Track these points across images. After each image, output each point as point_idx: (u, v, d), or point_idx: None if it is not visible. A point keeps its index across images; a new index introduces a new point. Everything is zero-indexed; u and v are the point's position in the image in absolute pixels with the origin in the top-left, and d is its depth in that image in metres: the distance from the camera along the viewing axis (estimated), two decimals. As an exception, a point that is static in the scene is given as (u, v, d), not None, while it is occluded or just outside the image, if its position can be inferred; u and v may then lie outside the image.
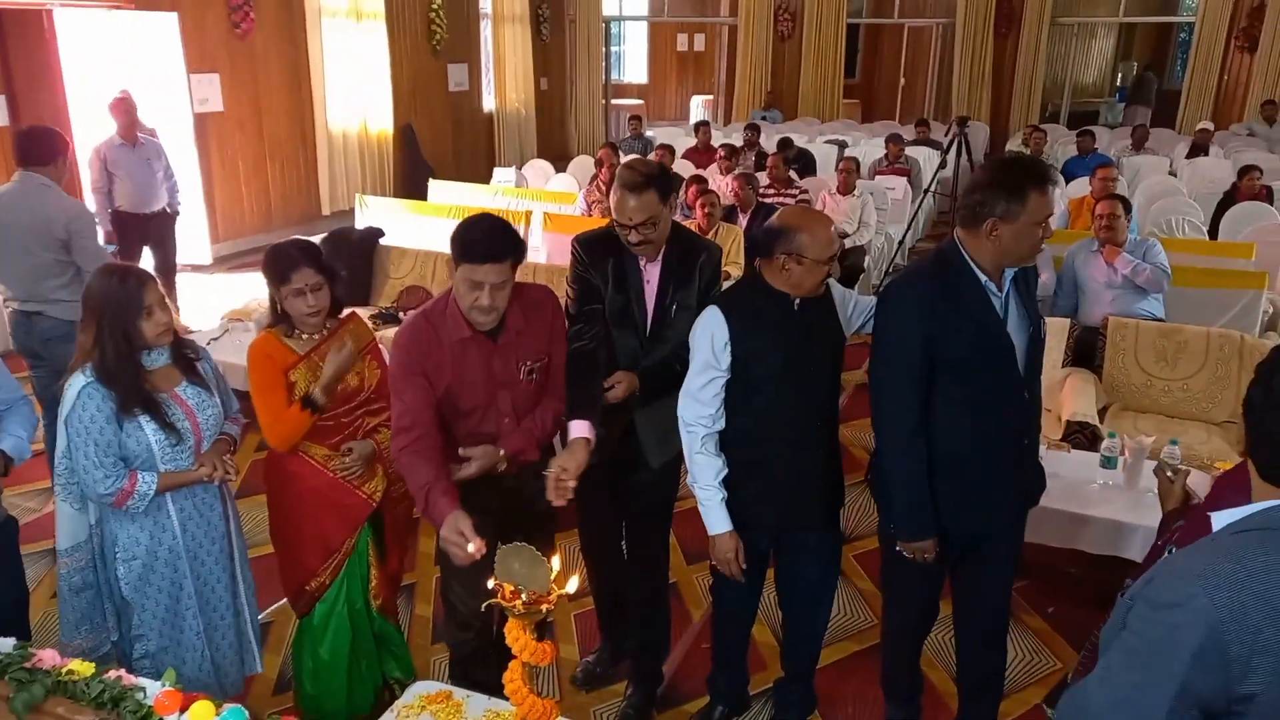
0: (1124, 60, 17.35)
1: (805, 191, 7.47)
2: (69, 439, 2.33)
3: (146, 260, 6.49)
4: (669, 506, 2.96)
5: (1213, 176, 8.66)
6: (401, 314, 5.67)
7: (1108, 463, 3.49)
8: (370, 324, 5.45)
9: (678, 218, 6.54)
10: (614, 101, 16.23)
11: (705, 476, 2.50)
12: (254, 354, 2.55)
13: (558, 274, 4.78)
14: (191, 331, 6.02)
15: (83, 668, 1.93)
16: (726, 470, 2.50)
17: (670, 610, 3.16)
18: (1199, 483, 2.84)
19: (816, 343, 2.47)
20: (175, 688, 1.92)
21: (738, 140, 9.95)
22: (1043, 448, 3.04)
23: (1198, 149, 9.88)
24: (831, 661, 3.33)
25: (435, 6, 11.20)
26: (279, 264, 2.50)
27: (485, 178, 9.80)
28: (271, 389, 2.53)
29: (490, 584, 1.93)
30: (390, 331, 5.41)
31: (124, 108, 6.12)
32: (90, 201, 6.16)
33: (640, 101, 17.33)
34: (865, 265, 7.43)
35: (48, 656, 2.00)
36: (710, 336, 2.44)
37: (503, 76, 12.89)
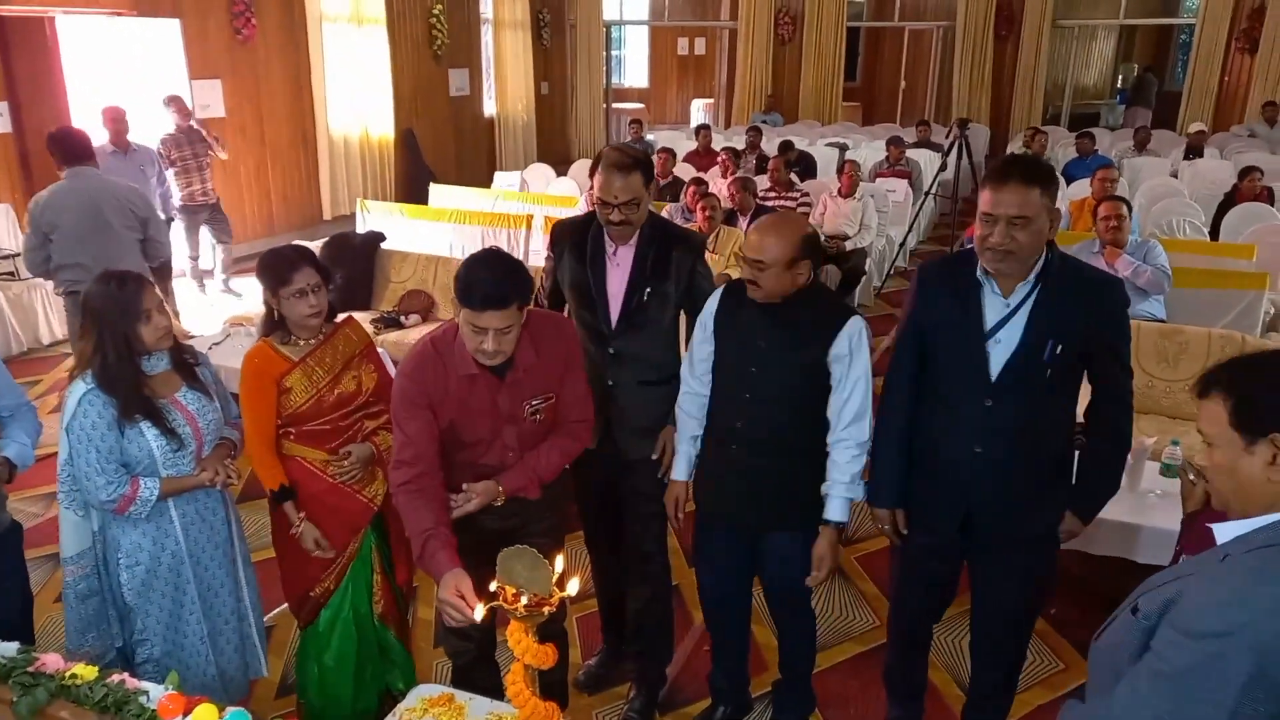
0: (1125, 62, 17.36)
1: (806, 195, 7.48)
2: (70, 446, 2.33)
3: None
4: (655, 504, 2.94)
5: (1213, 178, 8.66)
6: (403, 318, 5.68)
7: (1167, 470, 3.47)
8: (371, 329, 5.54)
9: (678, 220, 6.61)
10: (615, 105, 16.25)
11: (682, 429, 2.69)
12: (245, 365, 2.55)
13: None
14: (193, 337, 6.05)
15: (86, 672, 1.94)
16: (700, 434, 2.66)
17: (673, 613, 3.16)
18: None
19: (780, 354, 2.46)
20: (178, 691, 1.92)
21: (739, 143, 9.97)
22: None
23: (1192, 150, 9.89)
24: (833, 663, 3.34)
25: (436, 12, 11.23)
26: (278, 266, 2.49)
27: (486, 182, 9.82)
28: (256, 403, 2.53)
29: (492, 586, 1.93)
30: (391, 336, 5.42)
31: (113, 115, 6.23)
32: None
33: (641, 105, 17.35)
34: (867, 268, 7.44)
35: (51, 661, 2.00)
36: (710, 304, 2.59)
37: (504, 81, 12.91)
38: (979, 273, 2.30)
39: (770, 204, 7.28)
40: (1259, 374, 1.41)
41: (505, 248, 6.64)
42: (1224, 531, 1.46)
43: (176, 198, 7.11)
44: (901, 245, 8.24)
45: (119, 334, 2.30)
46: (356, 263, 6.08)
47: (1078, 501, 2.42)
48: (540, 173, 9.61)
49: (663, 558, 3.00)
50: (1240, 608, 1.26)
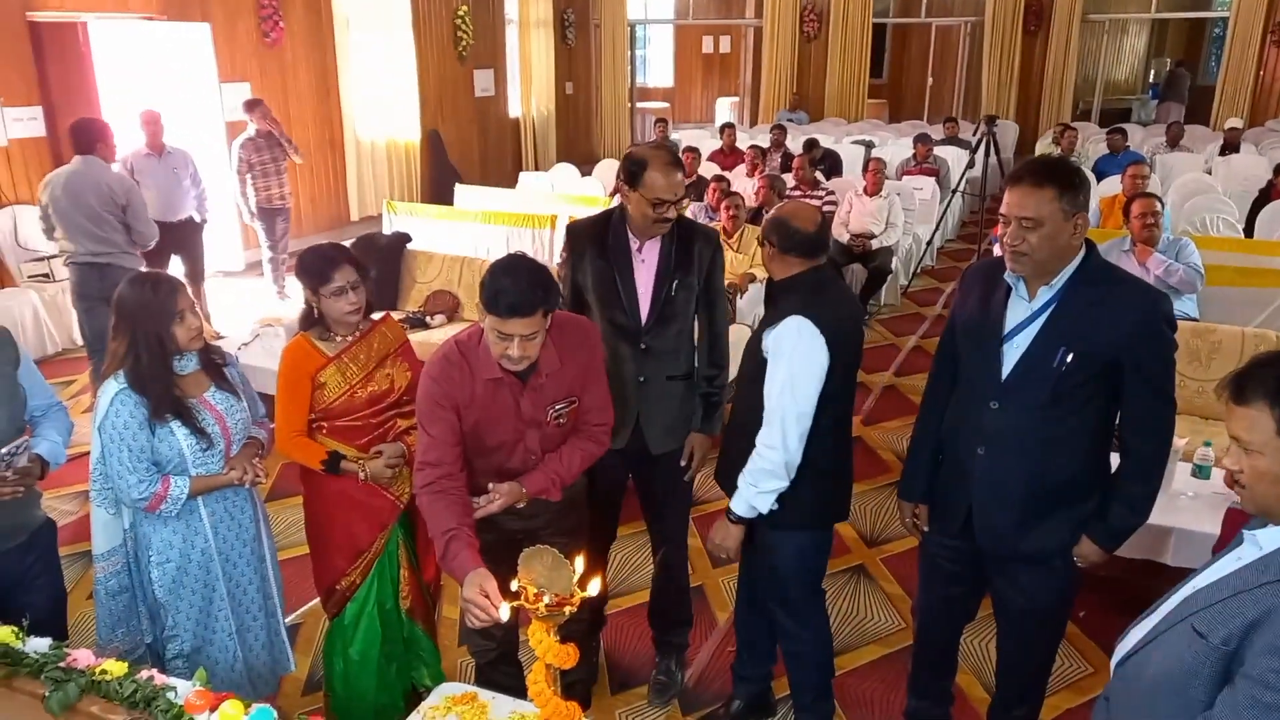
0: (1157, 57, 17.11)
1: (832, 193, 7.44)
2: (103, 445, 2.37)
3: (175, 268, 6.61)
4: (682, 497, 3.04)
5: (1248, 174, 8.51)
6: (428, 318, 5.71)
7: (1199, 472, 3.43)
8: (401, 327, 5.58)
9: (703, 219, 6.60)
10: (640, 105, 16.25)
11: None
12: (284, 357, 2.60)
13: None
14: (222, 337, 6.13)
15: (116, 668, 1.96)
16: None
17: (689, 592, 3.25)
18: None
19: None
20: (206, 687, 1.94)
21: (764, 142, 9.93)
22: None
23: (1228, 146, 9.72)
24: (857, 664, 3.32)
25: (461, 13, 11.28)
26: (318, 264, 2.53)
27: (511, 182, 9.85)
28: (292, 395, 2.57)
29: (514, 586, 1.94)
30: (417, 336, 5.45)
31: (149, 119, 6.33)
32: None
33: (666, 104, 17.34)
34: (893, 267, 7.38)
35: (82, 656, 2.03)
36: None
37: (528, 81, 12.95)
38: (1009, 274, 2.27)
39: (795, 203, 7.25)
40: None
41: (530, 248, 6.69)
42: (1271, 538, 1.41)
43: (253, 201, 7.22)
44: (929, 244, 8.17)
45: (152, 335, 2.34)
46: (383, 263, 6.12)
47: (1095, 527, 2.29)
48: (565, 172, 9.63)
49: (684, 559, 3.10)
50: None
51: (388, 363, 2.66)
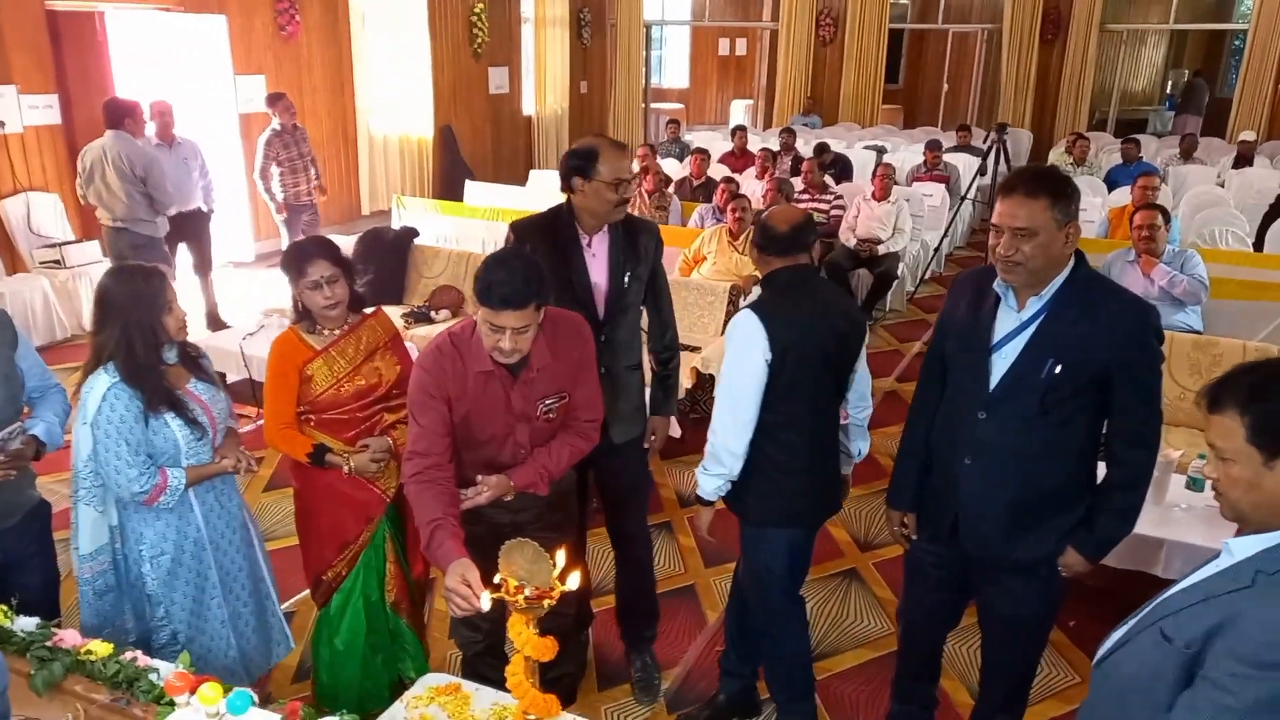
0: (1175, 68, 16.99)
1: (840, 197, 7.43)
2: (95, 441, 2.35)
3: (183, 257, 6.68)
4: (645, 484, 3.09)
5: (1261, 187, 8.46)
6: (434, 313, 5.74)
7: (1192, 484, 3.42)
8: (402, 323, 5.62)
9: (710, 221, 6.61)
10: (654, 105, 16.26)
11: None
12: (272, 349, 2.63)
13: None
14: (229, 326, 6.19)
15: (101, 648, 2.00)
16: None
17: (655, 585, 3.28)
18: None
19: None
20: (189, 670, 1.97)
21: (775, 145, 9.93)
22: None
23: (1241, 159, 9.66)
24: (844, 667, 3.33)
25: (477, 10, 11.32)
26: (295, 259, 2.57)
27: (523, 180, 9.88)
28: (279, 387, 2.60)
29: (496, 579, 1.96)
30: (421, 330, 5.48)
31: (159, 109, 6.39)
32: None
33: (680, 105, 17.34)
34: (899, 273, 7.37)
35: (69, 636, 2.07)
36: None
37: (543, 80, 12.98)
38: (999, 284, 2.27)
39: (803, 206, 7.26)
40: (1277, 387, 1.38)
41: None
42: (1243, 545, 1.42)
43: (280, 196, 7.08)
44: (936, 250, 8.16)
45: (146, 326, 2.35)
46: (389, 258, 6.16)
47: (1081, 536, 2.29)
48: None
49: (647, 538, 3.18)
50: None
51: (376, 356, 2.68)
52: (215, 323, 6.67)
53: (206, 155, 6.76)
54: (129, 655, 1.99)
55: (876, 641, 3.47)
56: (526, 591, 1.91)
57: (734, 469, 2.56)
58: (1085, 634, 3.45)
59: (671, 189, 7.75)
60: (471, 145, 11.56)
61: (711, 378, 4.84)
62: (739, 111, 16.93)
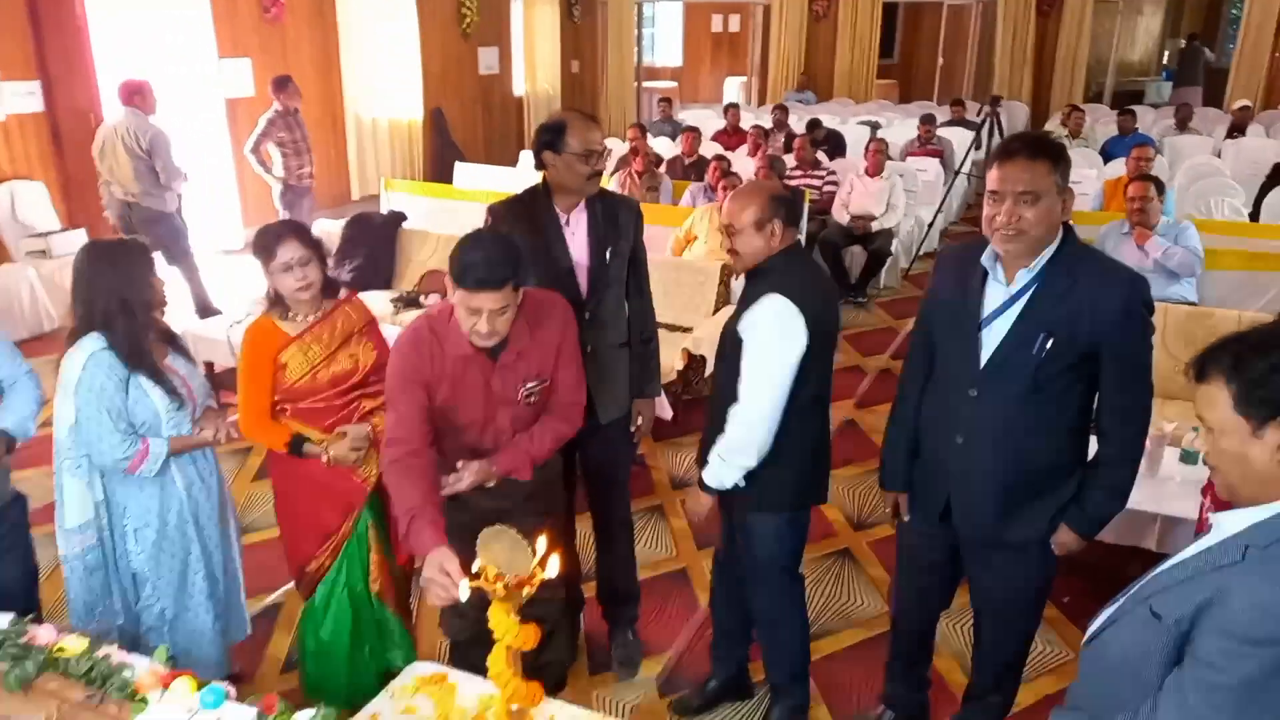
0: (1172, 38, 16.85)
1: (833, 173, 7.37)
2: (77, 409, 2.38)
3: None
4: (626, 466, 3.05)
5: (1256, 157, 8.39)
6: (422, 298, 5.69)
7: (1187, 457, 3.38)
8: (391, 308, 5.57)
9: (703, 200, 6.55)
10: (647, 84, 16.11)
11: None
12: (245, 338, 2.59)
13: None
14: (218, 312, 6.14)
15: (73, 646, 1.96)
16: None
17: (634, 558, 3.25)
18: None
19: (730, 322, 2.53)
20: (165, 664, 1.94)
21: (769, 122, 9.84)
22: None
23: (1236, 128, 9.58)
24: (838, 648, 3.31)
25: (465, -11, 11.20)
26: (265, 241, 2.53)
27: (515, 161, 9.79)
28: (253, 377, 2.57)
29: (474, 567, 1.93)
30: (411, 315, 5.43)
31: (136, 89, 6.24)
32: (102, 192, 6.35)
33: (674, 84, 17.19)
34: (893, 249, 7.31)
35: (43, 633, 2.03)
36: None
37: (533, 59, 12.85)
38: (986, 257, 2.22)
39: (796, 182, 7.19)
40: (1262, 354, 1.32)
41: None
42: (1233, 520, 1.38)
43: (280, 174, 6.99)
44: (930, 226, 8.09)
45: (140, 291, 2.41)
46: (377, 242, 6.11)
47: (1073, 514, 2.26)
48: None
49: (628, 518, 3.16)
50: None
51: (352, 342, 2.64)
52: (206, 310, 6.61)
53: (182, 142, 6.70)
54: (103, 652, 1.96)
55: (870, 621, 3.45)
56: (506, 579, 1.88)
57: (758, 460, 2.49)
58: (1079, 609, 3.42)
59: (663, 168, 7.68)
60: (462, 127, 11.46)
61: (703, 359, 4.79)
62: (733, 89, 16.78)
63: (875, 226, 7.09)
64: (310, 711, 1.79)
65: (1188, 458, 3.35)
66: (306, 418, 2.61)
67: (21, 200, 6.79)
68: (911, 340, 2.52)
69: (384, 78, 10.02)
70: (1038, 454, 2.23)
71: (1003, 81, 13.47)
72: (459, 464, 2.34)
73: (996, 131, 7.52)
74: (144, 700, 1.82)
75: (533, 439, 2.41)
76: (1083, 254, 2.18)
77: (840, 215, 7.20)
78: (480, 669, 2.30)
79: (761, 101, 14.47)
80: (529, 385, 2.37)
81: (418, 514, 2.13)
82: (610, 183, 7.44)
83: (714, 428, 2.55)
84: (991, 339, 2.20)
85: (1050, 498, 2.26)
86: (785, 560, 2.71)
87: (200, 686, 1.80)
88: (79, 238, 6.74)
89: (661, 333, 3.36)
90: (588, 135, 2.65)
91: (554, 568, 1.89)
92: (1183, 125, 9.91)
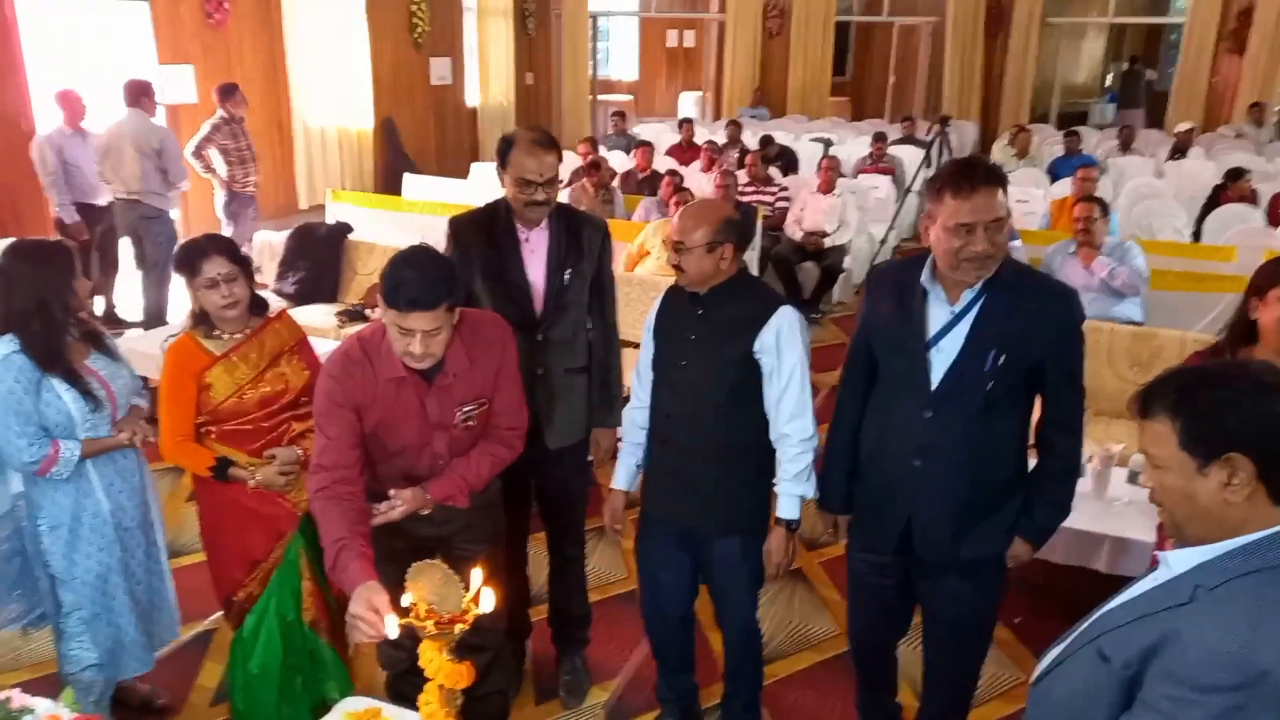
0: (1115, 61, 17.28)
1: (785, 189, 7.37)
2: None
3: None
4: (582, 494, 3.00)
5: (1198, 179, 8.58)
6: (369, 311, 5.54)
7: (1134, 479, 3.37)
8: (336, 321, 5.42)
9: (656, 217, 6.49)
10: (603, 97, 16.08)
11: (626, 436, 2.65)
12: (167, 357, 2.49)
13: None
14: (171, 326, 5.94)
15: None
16: (643, 440, 2.60)
17: (586, 581, 3.20)
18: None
19: (706, 345, 2.41)
20: (71, 709, 1.82)
21: (722, 137, 9.85)
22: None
23: (1178, 150, 9.80)
24: (790, 672, 3.25)
25: (417, -1, 11.06)
26: (188, 255, 2.43)
27: (466, 173, 9.66)
28: (175, 398, 2.47)
29: (404, 602, 1.83)
30: (356, 329, 5.29)
31: (68, 98, 6.20)
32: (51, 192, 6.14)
33: (630, 98, 17.19)
34: (845, 265, 7.33)
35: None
36: (651, 312, 2.54)
37: (487, 71, 12.73)
38: (925, 279, 2.21)
39: (747, 198, 7.18)
40: (1207, 389, 1.30)
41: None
42: (1179, 559, 1.34)
43: (222, 174, 6.92)
44: (883, 242, 8.13)
45: (59, 294, 2.37)
46: (322, 254, 5.97)
47: (1024, 526, 2.29)
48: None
49: (581, 553, 3.09)
50: (1252, 651, 1.16)
51: (282, 362, 2.54)
52: (159, 321, 6.43)
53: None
54: (3, 695, 1.82)
55: (822, 644, 3.40)
56: (439, 615, 1.79)
57: None
58: (1031, 631, 3.41)
59: (616, 182, 7.62)
60: (413, 138, 11.29)
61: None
62: (688, 104, 16.82)
63: (828, 243, 7.09)
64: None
65: (1135, 478, 3.36)
66: (233, 440, 2.49)
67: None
68: (847, 363, 2.47)
69: (333, 86, 9.83)
70: (992, 471, 2.26)
71: (952, 101, 13.70)
72: (391, 492, 2.24)
73: (945, 150, 7.59)
74: (42, 749, 1.70)
75: (470, 464, 2.32)
76: (1019, 270, 2.24)
77: (793, 231, 7.20)
78: (416, 703, 2.21)
79: (717, 116, 14.52)
80: (466, 409, 2.28)
81: (345, 546, 2.03)
82: (563, 195, 7.38)
83: (721, 469, 2.46)
84: (941, 359, 2.20)
85: (1003, 512, 2.29)
86: (760, 579, 2.64)
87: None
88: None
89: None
90: (525, 162, 2.54)
91: (488, 602, 1.80)
92: (1126, 146, 10.12)
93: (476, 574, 1.83)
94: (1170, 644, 1.23)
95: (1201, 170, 8.96)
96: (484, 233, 2.69)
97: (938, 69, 14.21)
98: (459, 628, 1.77)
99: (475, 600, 1.79)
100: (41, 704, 1.83)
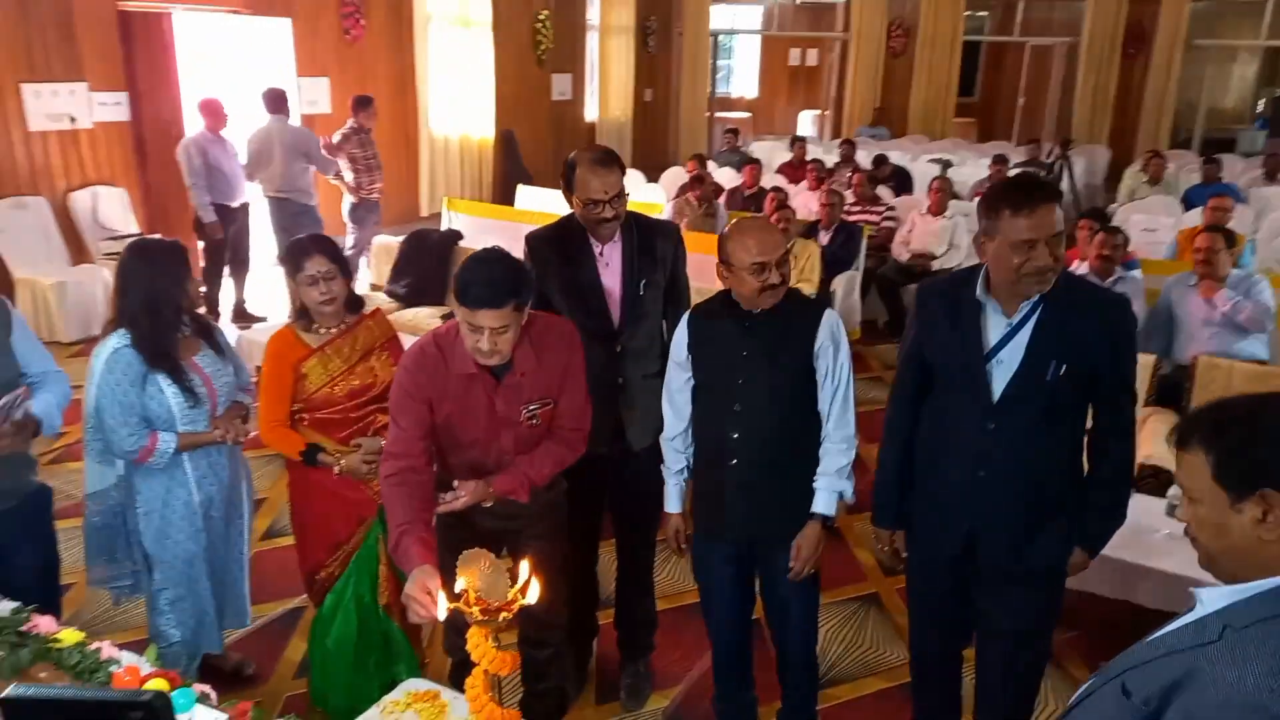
0: (1267, 86, 16.24)
1: (892, 209, 7.26)
2: (96, 399, 2.52)
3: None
4: (657, 498, 2.94)
5: (1350, 212, 7.98)
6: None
7: (1173, 510, 3.24)
8: (441, 322, 5.64)
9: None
10: (721, 114, 16.16)
11: (669, 465, 2.65)
12: (268, 346, 2.64)
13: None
14: (263, 320, 6.36)
15: (69, 636, 2.01)
16: (689, 464, 2.62)
17: (654, 586, 3.22)
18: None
19: (764, 360, 2.40)
20: (153, 664, 1.97)
21: (836, 156, 9.77)
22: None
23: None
24: (855, 696, 3.20)
25: (541, 17, 11.40)
26: (294, 254, 2.60)
27: (581, 186, 9.87)
28: (273, 385, 2.62)
29: (457, 588, 1.91)
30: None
31: (211, 108, 6.59)
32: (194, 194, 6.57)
33: (748, 115, 17.21)
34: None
35: (44, 623, 2.08)
36: (678, 338, 2.52)
37: (607, 87, 13.01)
38: (979, 292, 2.23)
39: (854, 218, 7.11)
40: (1244, 423, 1.26)
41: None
42: (1212, 597, 1.31)
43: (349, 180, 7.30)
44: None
45: (169, 294, 2.51)
46: (432, 259, 6.22)
47: (1083, 534, 2.32)
48: (631, 177, 9.61)
49: (651, 557, 3.14)
50: (1272, 695, 1.12)
51: (372, 357, 2.68)
52: (241, 317, 6.87)
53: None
54: (94, 645, 1.99)
55: (891, 671, 3.33)
56: (489, 603, 1.86)
57: None
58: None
59: (723, 199, 7.66)
60: (532, 151, 11.63)
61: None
62: (807, 122, 16.72)
63: (935, 265, 6.94)
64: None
65: (1173, 511, 3.21)
66: (323, 428, 2.65)
67: (103, 204, 7.10)
68: (899, 378, 2.49)
69: (458, 99, 10.24)
70: (1053, 478, 2.29)
71: (1083, 124, 13.16)
72: (455, 483, 2.34)
73: (1067, 174, 7.31)
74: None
75: (533, 462, 2.40)
76: (1071, 280, 2.25)
77: (900, 253, 7.08)
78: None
79: (836, 135, 14.38)
80: (531, 407, 2.36)
81: (406, 531, 2.14)
82: (668, 208, 7.47)
83: (784, 479, 2.48)
84: (1002, 371, 2.22)
85: (1059, 520, 2.30)
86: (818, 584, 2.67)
87: (174, 688, 1.81)
88: (154, 242, 7.02)
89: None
90: (590, 182, 2.60)
91: (534, 595, 1.87)
92: (1271, 176, 9.51)
93: (525, 566, 1.89)
94: (1191, 683, 1.20)
95: (1356, 203, 8.33)
96: (559, 248, 2.76)
97: (1070, 91, 13.69)
98: (504, 616, 1.83)
99: (523, 591, 1.85)
100: (127, 656, 1.99)
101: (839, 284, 6.38)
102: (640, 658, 3.20)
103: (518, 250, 2.52)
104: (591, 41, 12.74)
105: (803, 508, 2.52)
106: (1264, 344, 4.64)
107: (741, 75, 18.67)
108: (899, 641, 3.51)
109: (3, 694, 1.50)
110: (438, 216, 9.62)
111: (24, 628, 2.06)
